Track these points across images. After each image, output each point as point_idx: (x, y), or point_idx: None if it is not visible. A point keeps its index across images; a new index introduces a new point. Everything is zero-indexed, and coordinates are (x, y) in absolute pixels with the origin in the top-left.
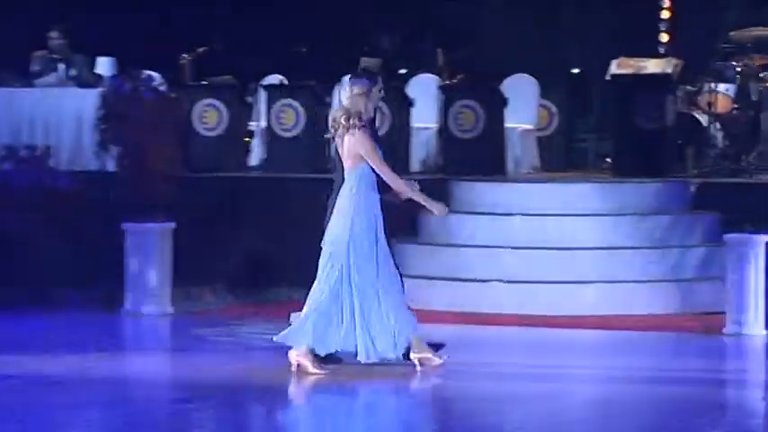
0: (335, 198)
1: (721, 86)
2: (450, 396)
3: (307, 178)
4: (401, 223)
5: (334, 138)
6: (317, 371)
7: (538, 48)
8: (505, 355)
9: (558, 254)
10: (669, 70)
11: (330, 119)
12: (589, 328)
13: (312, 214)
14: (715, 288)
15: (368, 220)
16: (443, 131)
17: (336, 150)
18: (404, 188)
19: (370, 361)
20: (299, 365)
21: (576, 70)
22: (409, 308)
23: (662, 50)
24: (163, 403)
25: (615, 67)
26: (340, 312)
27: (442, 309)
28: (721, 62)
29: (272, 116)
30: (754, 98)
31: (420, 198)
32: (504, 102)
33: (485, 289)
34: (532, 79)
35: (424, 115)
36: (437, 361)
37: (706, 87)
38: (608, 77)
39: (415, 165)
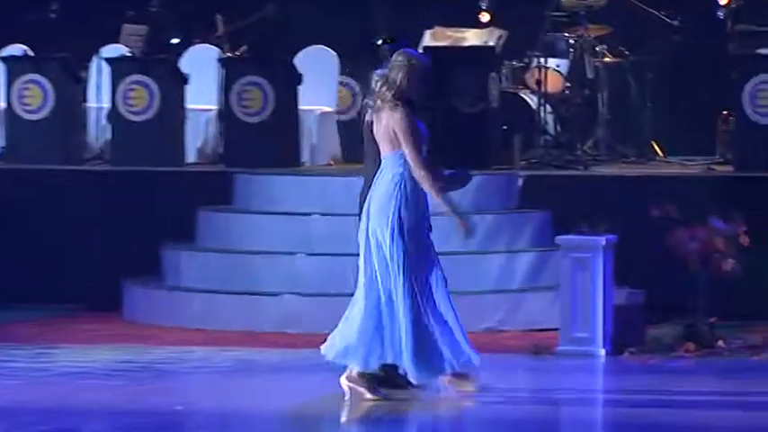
0: (368, 190)
1: (552, 62)
2: None
3: (58, 171)
4: (171, 224)
5: (362, 114)
6: (374, 396)
7: (337, 14)
8: (303, 381)
9: None
10: (492, 42)
11: (372, 89)
12: None
13: (64, 214)
14: (546, 300)
15: (415, 217)
16: (225, 114)
17: (370, 131)
18: (433, 190)
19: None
20: (351, 391)
21: (379, 42)
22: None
23: (484, 20)
24: None
25: (429, 39)
26: (388, 324)
27: (222, 327)
28: (552, 33)
29: (14, 94)
30: (589, 76)
31: (449, 208)
32: (297, 79)
33: (275, 304)
34: (331, 52)
35: (202, 95)
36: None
37: (534, 63)
38: (420, 50)
39: (190, 154)
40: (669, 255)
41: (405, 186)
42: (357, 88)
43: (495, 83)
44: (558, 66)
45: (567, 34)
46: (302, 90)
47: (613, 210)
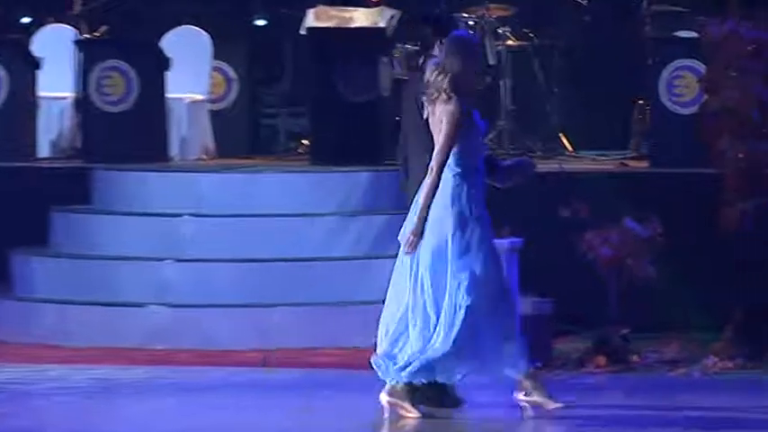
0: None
1: None
2: None
3: None
4: (21, 227)
5: (420, 105)
6: (414, 414)
7: None
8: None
9: (240, 268)
10: (382, 24)
11: (426, 79)
12: (283, 366)
13: None
14: None
15: (477, 214)
16: (82, 103)
17: (426, 122)
18: (425, 188)
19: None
20: (390, 406)
21: (261, 22)
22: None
23: None
24: None
25: (312, 19)
26: (446, 335)
27: (81, 343)
28: (449, 13)
29: None
30: (491, 61)
31: (419, 213)
32: (165, 63)
33: (140, 316)
34: (203, 33)
35: (56, 81)
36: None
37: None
38: (303, 32)
39: (43, 148)
40: (579, 259)
41: (466, 178)
42: (232, 74)
43: (386, 69)
44: None
45: (465, 14)
46: (170, 76)
47: (518, 210)
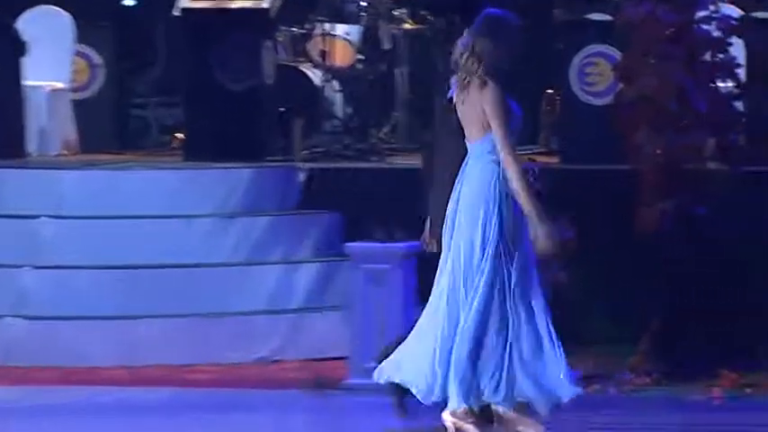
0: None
1: (340, 29)
2: None
3: None
4: None
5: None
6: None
7: None
8: None
9: (105, 275)
10: (265, 4)
11: (452, 63)
12: (154, 384)
13: None
14: (333, 322)
15: (514, 217)
16: None
17: (455, 112)
18: (520, 185)
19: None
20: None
21: (129, 1)
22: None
23: None
24: None
25: None
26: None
27: None
28: None
29: None
30: (386, 46)
31: (533, 211)
32: (21, 48)
33: None
34: (64, 14)
35: None
36: None
37: (318, 30)
38: (177, 12)
39: None
40: None
41: (502, 177)
42: (97, 59)
43: (269, 54)
44: (347, 34)
45: None
46: (27, 61)
47: (416, 211)
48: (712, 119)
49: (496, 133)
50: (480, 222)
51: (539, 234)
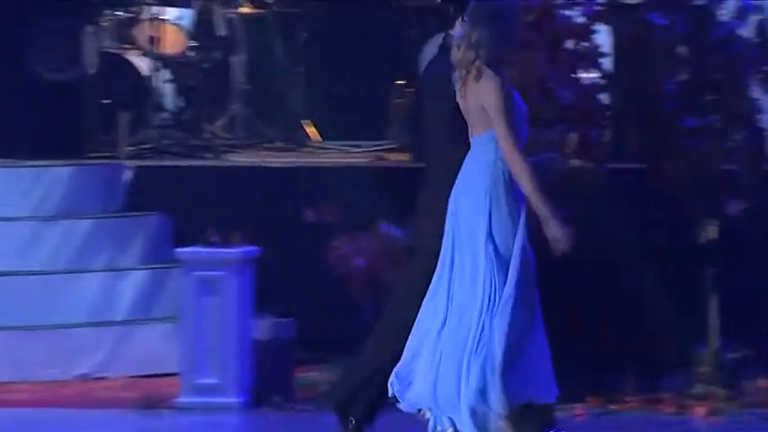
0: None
1: (170, 12)
2: None
3: None
4: None
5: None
6: None
7: None
8: None
9: None
10: None
11: (452, 58)
12: None
13: None
14: (162, 335)
15: (512, 216)
16: None
17: (457, 109)
18: (529, 184)
19: None
20: None
21: None
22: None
23: None
24: None
25: None
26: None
27: None
28: None
29: None
30: (221, 32)
31: (544, 210)
32: None
33: None
34: None
35: None
36: None
37: (145, 13)
38: None
39: None
40: (326, 272)
41: (505, 174)
42: None
43: (91, 40)
44: (179, 18)
45: None
46: None
47: (253, 212)
48: (575, 112)
49: (497, 128)
50: (483, 221)
51: (557, 235)
